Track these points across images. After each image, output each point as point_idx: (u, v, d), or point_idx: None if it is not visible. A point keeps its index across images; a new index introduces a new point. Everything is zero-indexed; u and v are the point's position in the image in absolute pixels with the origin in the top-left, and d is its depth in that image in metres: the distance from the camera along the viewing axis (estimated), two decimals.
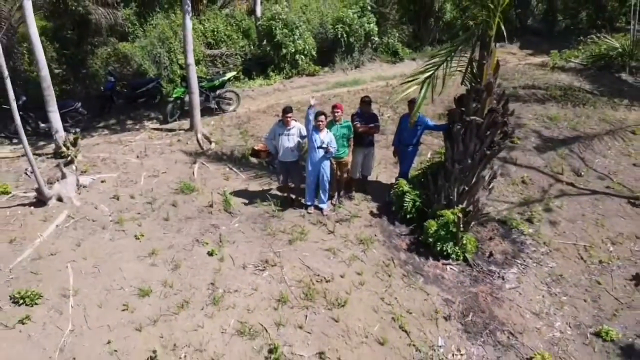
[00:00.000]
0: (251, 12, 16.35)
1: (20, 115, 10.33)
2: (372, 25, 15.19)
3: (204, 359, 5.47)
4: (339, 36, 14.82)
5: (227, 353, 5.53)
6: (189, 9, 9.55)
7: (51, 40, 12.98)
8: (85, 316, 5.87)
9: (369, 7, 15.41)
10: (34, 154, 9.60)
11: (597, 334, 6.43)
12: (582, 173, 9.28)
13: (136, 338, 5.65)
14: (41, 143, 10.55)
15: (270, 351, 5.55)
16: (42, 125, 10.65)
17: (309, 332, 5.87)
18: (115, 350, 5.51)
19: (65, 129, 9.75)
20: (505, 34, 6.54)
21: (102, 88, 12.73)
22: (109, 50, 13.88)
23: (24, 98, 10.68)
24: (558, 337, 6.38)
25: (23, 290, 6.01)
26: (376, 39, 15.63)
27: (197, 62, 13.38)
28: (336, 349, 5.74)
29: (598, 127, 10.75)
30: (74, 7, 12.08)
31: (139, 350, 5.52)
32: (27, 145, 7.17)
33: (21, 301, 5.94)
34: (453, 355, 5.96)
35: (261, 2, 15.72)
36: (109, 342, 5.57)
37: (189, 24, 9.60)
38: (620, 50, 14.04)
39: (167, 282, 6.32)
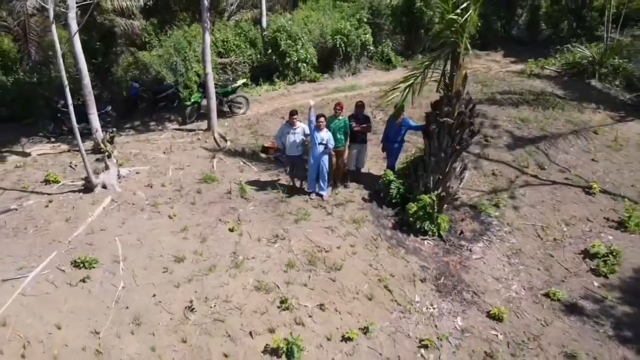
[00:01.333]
0: (256, 21, 17.87)
1: (58, 117, 11.97)
2: (367, 35, 16.74)
3: (230, 307, 6.99)
4: (337, 46, 16.37)
5: (247, 303, 7.05)
6: (208, 26, 11.09)
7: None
8: (133, 276, 7.39)
9: (365, 19, 16.97)
10: (73, 151, 11.20)
11: (547, 295, 7.94)
12: (545, 167, 10.80)
13: (175, 293, 7.17)
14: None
15: (282, 302, 7.07)
16: (78, 126, 12.12)
17: (311, 289, 7.39)
18: (160, 302, 7.03)
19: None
20: (469, 48, 8.03)
21: (124, 93, 14.28)
22: (129, 59, 15.45)
23: (62, 102, 12.20)
24: (513, 296, 7.90)
25: (82, 256, 7.53)
26: (371, 48, 17.18)
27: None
28: (333, 302, 7.26)
29: (564, 127, 12.27)
30: (102, 22, 13.63)
31: (179, 301, 7.04)
32: (81, 142, 8.68)
33: (81, 265, 7.46)
34: (427, 308, 7.47)
35: (266, 14, 17.27)
36: (154, 296, 7.09)
37: (207, 39, 11.14)
38: (591, 58, 15.57)
39: (197, 251, 7.84)
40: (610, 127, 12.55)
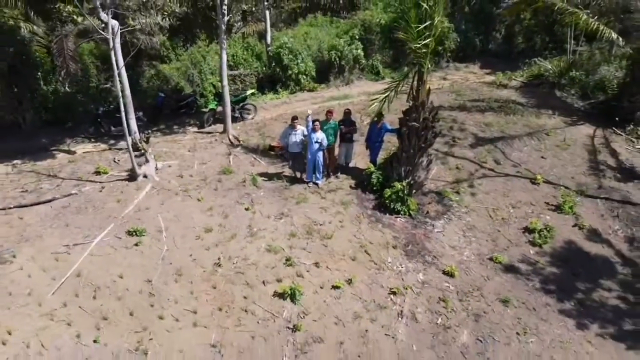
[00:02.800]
0: (261, 36, 20.21)
1: (98, 121, 14.31)
2: (359, 50, 19.14)
3: (247, 264, 9.34)
4: (333, 60, 18.76)
5: (261, 261, 9.40)
6: (224, 45, 13.47)
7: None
8: (174, 242, 9.74)
9: (357, 37, 19.37)
10: (114, 149, 13.55)
11: (491, 259, 10.28)
12: (501, 162, 13.15)
13: (206, 253, 9.52)
14: (111, 142, 14.45)
15: (286, 260, 9.43)
16: (113, 128, 14.53)
17: (309, 252, 9.74)
18: (195, 259, 9.38)
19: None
20: (430, 68, 10.39)
21: (149, 101, 16.62)
22: (152, 71, 17.81)
23: (102, 108, 14.59)
24: (464, 260, 10.23)
25: (133, 227, 9.87)
26: (363, 61, 19.56)
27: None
28: (325, 261, 9.61)
29: (521, 130, 14.62)
30: (131, 39, 15.99)
31: (209, 259, 9.39)
32: (130, 142, 11.01)
33: (133, 234, 9.80)
34: (396, 267, 9.81)
35: (270, 30, 19.64)
36: (190, 255, 9.45)
37: (224, 56, 13.52)
38: (552, 71, 17.97)
39: (221, 224, 10.19)
40: (561, 130, 14.89)
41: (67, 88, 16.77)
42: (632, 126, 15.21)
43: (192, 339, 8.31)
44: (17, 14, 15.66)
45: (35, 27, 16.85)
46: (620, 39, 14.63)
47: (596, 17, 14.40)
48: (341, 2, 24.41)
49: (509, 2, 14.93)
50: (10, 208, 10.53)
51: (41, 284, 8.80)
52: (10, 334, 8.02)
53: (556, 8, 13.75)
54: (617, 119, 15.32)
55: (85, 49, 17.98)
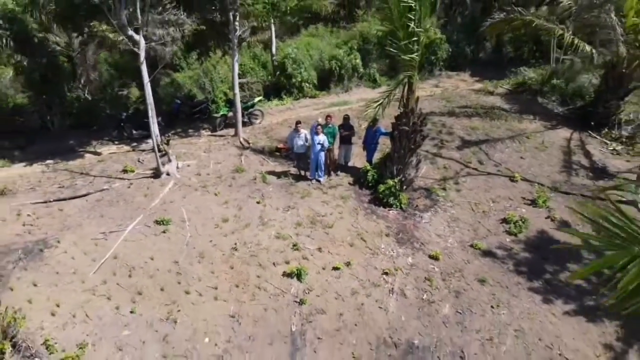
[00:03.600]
0: (266, 45, 21.75)
1: (121, 125, 15.83)
2: (357, 60, 20.70)
3: (260, 248, 10.85)
4: (333, 69, 20.31)
5: (271, 245, 10.91)
6: (236, 58, 15.02)
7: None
8: (196, 230, 11.24)
9: (355, 47, 20.95)
10: (137, 150, 15.07)
11: (471, 245, 11.76)
12: (484, 162, 14.65)
13: (224, 239, 11.02)
14: (133, 144, 15.97)
15: (293, 245, 10.93)
16: (135, 132, 16.05)
17: (313, 239, 11.23)
18: (215, 244, 10.88)
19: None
20: (418, 79, 11.91)
21: (164, 107, 18.13)
22: (166, 79, 19.36)
23: (124, 114, 16.12)
24: (448, 246, 11.71)
25: (160, 218, 11.37)
26: (361, 70, 21.11)
27: (230, 89, 18.81)
28: (327, 247, 11.10)
29: (503, 133, 16.13)
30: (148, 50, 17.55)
31: (227, 244, 10.89)
32: (156, 143, 12.53)
33: (160, 223, 11.30)
34: (389, 252, 11.30)
35: (275, 41, 21.21)
36: (210, 241, 10.94)
37: (236, 67, 15.07)
38: (534, 79, 19.52)
39: (236, 215, 11.69)
40: (541, 134, 16.41)
41: (86, 95, 18.35)
42: (606, 130, 16.76)
43: (214, 310, 9.80)
44: (44, 28, 17.23)
45: (57, 39, 18.46)
46: (594, 51, 16.23)
47: (571, 33, 15.96)
48: (341, 13, 26.15)
49: (495, 18, 16.44)
50: (50, 201, 12.04)
51: (83, 265, 10.30)
52: (58, 306, 9.51)
53: (534, 25, 15.30)
54: (592, 123, 16.85)
55: (100, 57, 19.61)
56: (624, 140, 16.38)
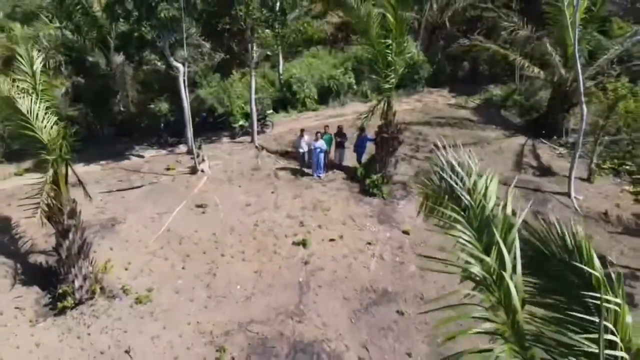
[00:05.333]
0: (273, 65, 25.56)
1: (159, 134, 19.57)
2: (351, 79, 24.56)
3: (275, 224, 14.54)
4: (331, 86, 24.15)
5: (284, 223, 14.61)
6: (254, 76, 18.82)
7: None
8: (226, 211, 14.95)
9: (350, 68, 24.82)
10: (174, 153, 18.82)
11: (435, 225, 15.45)
12: None
13: (248, 218, 14.74)
14: (169, 149, 19.71)
15: (300, 223, 14.63)
16: (170, 139, 19.80)
17: (315, 218, 14.94)
18: (241, 222, 14.59)
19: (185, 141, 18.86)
20: (395, 97, 15.69)
21: (196, 119, 21.88)
22: (192, 95, 23.14)
23: (162, 124, 19.87)
24: (417, 225, 15.32)
25: (199, 202, 15.08)
26: (354, 87, 24.96)
27: (245, 103, 22.56)
28: (325, 224, 14.80)
29: (469, 140, 19.87)
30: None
31: (250, 222, 14.60)
32: (195, 148, 16.27)
33: (200, 206, 15.01)
34: (372, 229, 14.95)
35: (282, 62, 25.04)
36: (238, 219, 14.65)
37: (253, 85, 18.85)
38: (499, 95, 23.35)
39: (256, 201, 15.42)
40: (500, 140, 20.17)
41: (122, 107, 22.07)
42: (555, 137, 20.54)
43: (243, 268, 13.44)
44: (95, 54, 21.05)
45: (101, 61, 22.30)
46: (541, 73, 20.10)
47: (521, 57, 19.84)
48: (339, 36, 30.07)
49: (461, 44, 20.47)
50: (114, 191, 15.75)
51: (145, 236, 13.98)
52: (130, 264, 13.16)
53: (489, 50, 19.16)
54: (544, 132, 20.64)
55: (136, 77, 23.38)
56: (568, 145, 20.16)
